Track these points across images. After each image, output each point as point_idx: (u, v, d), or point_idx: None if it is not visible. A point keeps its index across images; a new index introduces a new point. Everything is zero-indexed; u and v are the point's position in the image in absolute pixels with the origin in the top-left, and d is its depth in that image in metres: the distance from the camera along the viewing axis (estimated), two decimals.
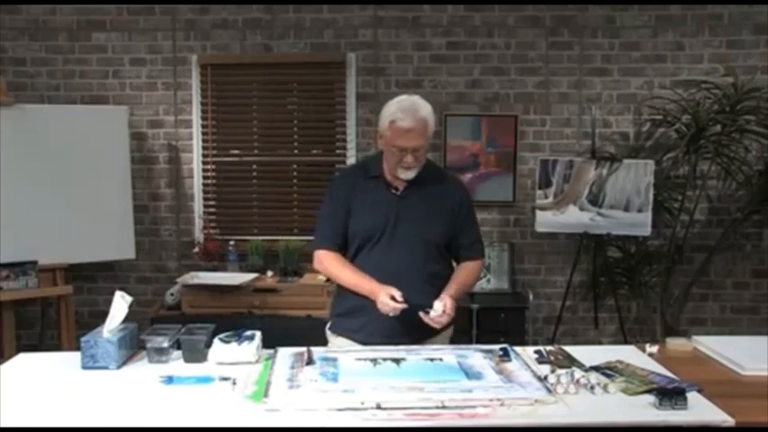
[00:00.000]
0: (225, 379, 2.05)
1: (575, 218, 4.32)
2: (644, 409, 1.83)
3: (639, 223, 4.26)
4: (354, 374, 2.05)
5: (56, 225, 4.21)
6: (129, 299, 2.31)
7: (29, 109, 4.29)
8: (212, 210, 4.85)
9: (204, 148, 4.80)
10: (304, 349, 2.25)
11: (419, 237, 2.51)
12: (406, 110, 2.44)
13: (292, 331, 3.70)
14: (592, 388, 1.95)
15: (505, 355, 2.22)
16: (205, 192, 4.84)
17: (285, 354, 2.26)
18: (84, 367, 2.18)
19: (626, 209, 4.27)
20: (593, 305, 4.54)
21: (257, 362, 2.21)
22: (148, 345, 2.25)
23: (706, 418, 1.78)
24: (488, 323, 4.32)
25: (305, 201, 4.80)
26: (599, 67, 4.66)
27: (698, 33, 4.61)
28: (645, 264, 4.56)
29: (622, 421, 1.78)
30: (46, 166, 4.22)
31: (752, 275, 4.72)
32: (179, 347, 2.28)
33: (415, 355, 2.25)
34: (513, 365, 2.15)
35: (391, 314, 2.36)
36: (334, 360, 2.19)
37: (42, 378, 2.11)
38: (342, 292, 2.61)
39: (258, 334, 2.30)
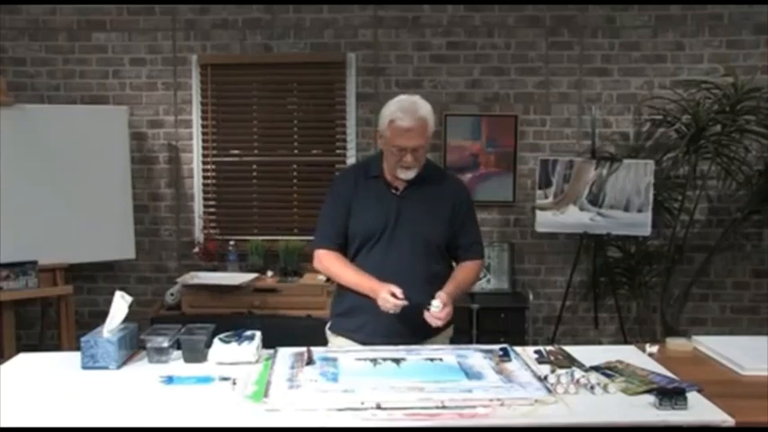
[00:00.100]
0: (225, 379, 2.05)
1: (575, 218, 4.32)
2: (644, 409, 1.83)
3: (639, 223, 4.26)
4: (354, 374, 2.05)
5: (56, 225, 4.21)
6: (129, 299, 2.31)
7: (29, 109, 4.29)
8: (212, 210, 4.85)
9: (204, 148, 4.80)
10: (304, 349, 2.25)
11: (419, 237, 2.51)
12: (405, 109, 2.43)
13: (292, 331, 3.68)
14: (592, 388, 1.95)
15: (505, 355, 2.22)
16: (205, 192, 4.84)
17: (285, 354, 2.26)
18: (84, 367, 2.18)
19: (626, 209, 4.27)
20: (593, 305, 4.54)
21: (257, 362, 2.21)
22: (148, 345, 2.25)
23: (706, 418, 1.78)
24: (488, 323, 4.32)
25: (305, 201, 4.80)
26: (599, 67, 4.66)
27: (698, 33, 4.61)
28: (645, 264, 4.56)
29: (622, 421, 1.78)
30: (46, 166, 4.22)
31: (752, 275, 4.72)
32: (179, 347, 2.28)
33: (415, 355, 2.25)
34: (513, 365, 2.15)
35: (392, 311, 2.35)
36: (334, 360, 2.19)
37: (42, 378, 2.11)
38: (342, 291, 2.61)
39: (258, 334, 2.30)
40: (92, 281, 4.78)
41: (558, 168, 4.34)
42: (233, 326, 2.34)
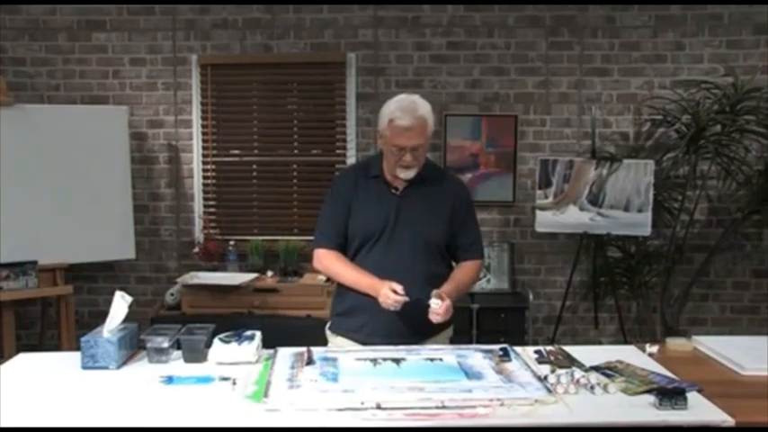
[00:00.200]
0: (225, 379, 2.04)
1: (575, 218, 4.32)
2: (644, 409, 1.83)
3: (639, 223, 4.26)
4: (354, 374, 2.05)
5: (56, 225, 4.21)
6: (129, 299, 2.31)
7: (29, 109, 4.29)
8: (212, 210, 4.85)
9: (204, 148, 4.80)
10: (304, 349, 2.25)
11: (419, 237, 2.51)
12: (405, 109, 2.43)
13: (292, 331, 3.68)
14: (592, 388, 1.95)
15: (505, 355, 2.22)
16: (205, 192, 4.84)
17: (285, 354, 2.26)
18: (84, 367, 2.18)
19: (626, 209, 4.27)
20: (593, 305, 4.54)
21: (257, 362, 2.21)
22: (148, 345, 2.25)
23: (706, 418, 1.78)
24: (488, 323, 4.32)
25: (305, 201, 4.80)
26: (599, 67, 4.66)
27: (698, 33, 4.61)
28: (645, 264, 4.56)
29: (622, 421, 1.78)
30: (46, 166, 4.22)
31: (752, 275, 4.72)
32: (179, 347, 2.28)
33: (415, 355, 2.25)
34: (513, 365, 2.15)
35: (392, 308, 2.35)
36: (334, 360, 2.19)
37: (42, 378, 2.11)
38: (341, 291, 2.61)
39: (258, 334, 2.30)
40: (92, 281, 4.78)
41: (558, 168, 4.34)
42: (233, 326, 2.34)
